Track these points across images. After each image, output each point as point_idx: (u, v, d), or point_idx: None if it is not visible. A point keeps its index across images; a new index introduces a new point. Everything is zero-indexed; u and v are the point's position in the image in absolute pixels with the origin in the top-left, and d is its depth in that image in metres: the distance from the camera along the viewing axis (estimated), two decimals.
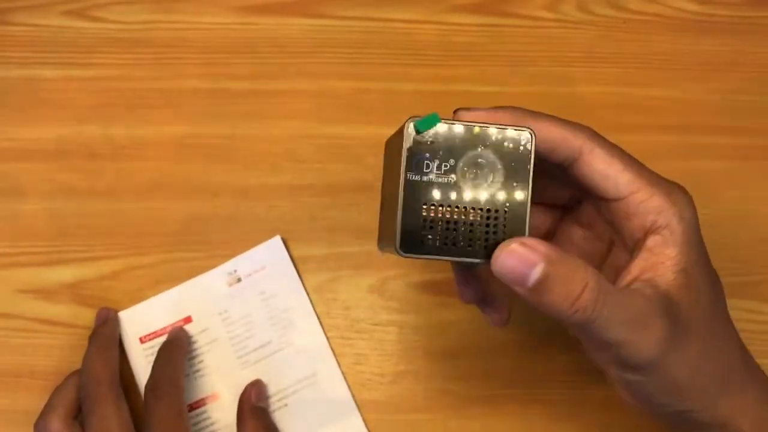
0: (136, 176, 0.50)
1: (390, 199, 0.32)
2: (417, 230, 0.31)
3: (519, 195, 0.31)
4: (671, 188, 0.34)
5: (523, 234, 0.31)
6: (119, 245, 0.49)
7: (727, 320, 0.36)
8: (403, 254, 0.31)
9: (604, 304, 0.31)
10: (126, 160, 0.51)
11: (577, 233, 0.39)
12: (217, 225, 0.50)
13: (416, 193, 0.31)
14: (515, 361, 0.47)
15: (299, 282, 0.48)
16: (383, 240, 0.34)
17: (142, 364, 0.47)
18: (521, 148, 0.31)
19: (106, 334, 0.46)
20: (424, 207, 0.31)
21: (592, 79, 0.52)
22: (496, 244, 0.31)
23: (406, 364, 0.48)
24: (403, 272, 0.49)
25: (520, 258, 0.30)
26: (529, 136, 0.31)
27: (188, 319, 0.48)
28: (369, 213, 0.50)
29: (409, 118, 0.31)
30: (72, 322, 0.48)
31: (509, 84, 0.52)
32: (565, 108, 0.51)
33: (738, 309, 0.48)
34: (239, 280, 0.48)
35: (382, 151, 0.34)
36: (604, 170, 0.34)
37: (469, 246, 0.31)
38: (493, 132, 0.31)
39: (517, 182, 0.31)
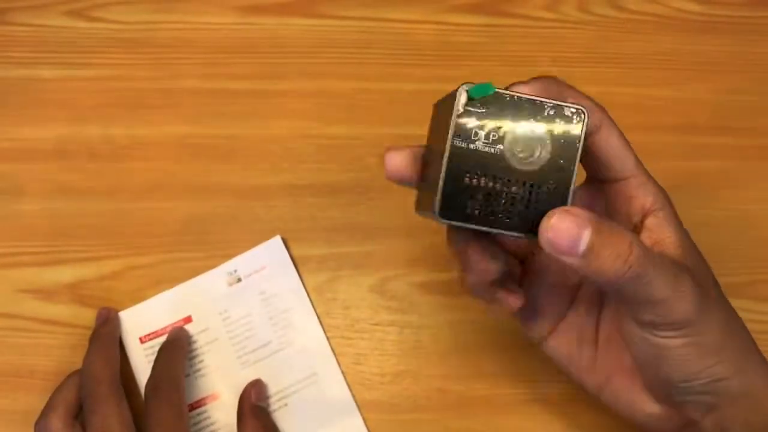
0: (136, 176, 0.50)
1: (434, 163, 0.32)
2: (458, 197, 0.30)
3: (564, 172, 0.31)
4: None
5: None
6: (119, 245, 0.49)
7: (726, 300, 0.37)
8: (442, 220, 0.31)
9: (650, 261, 0.31)
10: (126, 160, 0.51)
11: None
12: (217, 225, 0.50)
13: (461, 160, 0.30)
14: (515, 360, 0.47)
15: (299, 282, 0.48)
16: (422, 203, 0.33)
17: (142, 363, 0.47)
18: (572, 125, 0.31)
19: (106, 333, 0.46)
20: (467, 175, 0.30)
21: (592, 79, 0.52)
22: (537, 219, 0.30)
23: (406, 364, 0.48)
24: (403, 272, 0.49)
25: (569, 227, 0.30)
26: (583, 114, 0.31)
27: (188, 319, 0.48)
28: (369, 213, 0.50)
29: (463, 83, 0.30)
30: (72, 322, 0.48)
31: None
32: None
33: (738, 309, 0.48)
34: (239, 280, 0.48)
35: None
36: (618, 147, 0.35)
37: (508, 219, 0.31)
38: (546, 106, 0.31)
39: (563, 159, 0.31)
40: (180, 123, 0.51)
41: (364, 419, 0.46)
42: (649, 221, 0.36)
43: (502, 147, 0.31)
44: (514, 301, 0.37)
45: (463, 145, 0.30)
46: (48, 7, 0.53)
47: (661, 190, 0.36)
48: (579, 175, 0.34)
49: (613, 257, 0.31)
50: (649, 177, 0.36)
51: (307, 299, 0.48)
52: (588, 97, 0.35)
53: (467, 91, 0.30)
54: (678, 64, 0.53)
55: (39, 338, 0.48)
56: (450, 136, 0.30)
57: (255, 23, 0.53)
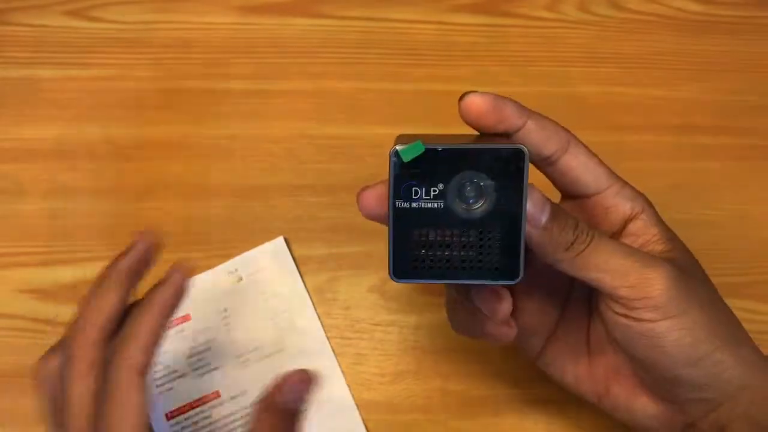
0: (136, 176, 0.50)
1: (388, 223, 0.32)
2: (409, 257, 0.31)
3: (513, 215, 0.31)
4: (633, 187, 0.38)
5: (518, 252, 0.31)
6: (119, 245, 0.49)
7: (719, 296, 0.38)
8: (398, 281, 0.32)
9: (601, 234, 0.34)
10: (126, 160, 0.51)
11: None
12: (217, 225, 0.50)
13: (406, 220, 0.31)
14: (515, 361, 0.47)
15: (301, 283, 0.48)
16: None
17: None
18: (513, 166, 0.31)
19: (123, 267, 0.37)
20: (415, 233, 0.31)
21: (592, 79, 0.52)
22: (495, 264, 0.31)
23: (406, 364, 0.48)
24: None
25: (532, 202, 0.32)
26: (522, 153, 0.30)
27: (187, 318, 0.48)
28: None
29: (395, 143, 0.31)
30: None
31: (509, 84, 0.52)
32: (565, 108, 0.52)
33: (738, 309, 0.48)
34: (240, 279, 0.48)
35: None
36: (586, 163, 0.36)
37: (465, 268, 0.31)
38: (482, 152, 0.31)
39: (510, 200, 0.31)
40: (180, 123, 0.51)
41: (363, 419, 0.46)
42: (632, 226, 0.37)
43: (444, 201, 0.31)
44: (507, 332, 0.37)
45: (405, 206, 0.31)
46: (48, 7, 0.53)
47: (639, 195, 0.37)
48: (555, 193, 0.35)
49: (568, 228, 0.33)
50: (625, 184, 0.37)
51: (309, 300, 0.48)
52: (552, 120, 0.36)
53: (397, 155, 0.30)
54: (678, 64, 0.53)
55: (39, 338, 0.48)
56: (391, 198, 0.31)
57: (255, 23, 0.53)
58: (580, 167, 0.36)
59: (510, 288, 0.37)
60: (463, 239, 0.31)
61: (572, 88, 0.52)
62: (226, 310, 0.48)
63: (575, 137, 0.36)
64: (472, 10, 0.53)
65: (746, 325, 0.48)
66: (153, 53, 0.52)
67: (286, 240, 0.49)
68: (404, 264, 0.31)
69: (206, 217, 0.50)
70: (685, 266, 0.36)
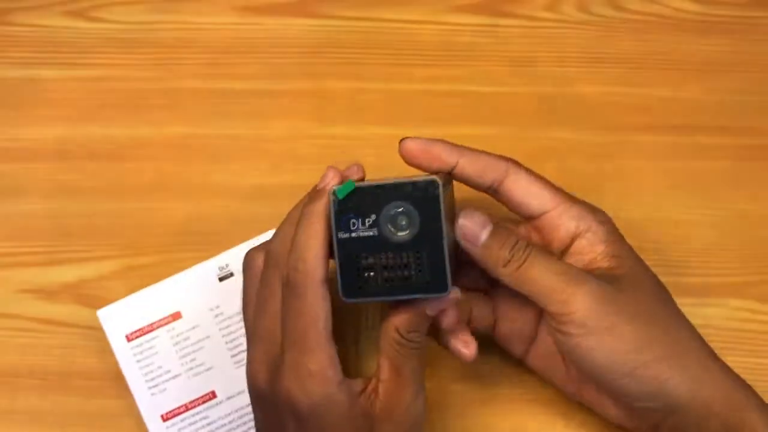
0: (136, 176, 0.50)
1: None
2: (355, 279, 0.36)
3: (436, 233, 0.35)
4: (587, 204, 0.40)
5: (443, 266, 0.35)
6: (119, 245, 0.49)
7: (678, 313, 0.39)
8: (347, 300, 0.36)
9: (537, 252, 0.38)
10: (126, 160, 0.51)
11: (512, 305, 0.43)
12: (217, 225, 0.50)
13: (348, 248, 0.36)
14: (516, 361, 0.47)
15: None
16: None
17: (130, 363, 0.46)
18: (429, 194, 0.35)
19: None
20: (357, 259, 0.36)
21: (592, 79, 0.52)
22: (425, 280, 0.35)
23: None
24: None
25: (472, 225, 0.38)
26: (436, 183, 0.35)
27: (177, 315, 0.47)
28: None
29: (333, 186, 0.36)
30: (72, 322, 0.48)
31: (509, 84, 0.52)
32: (565, 108, 0.52)
33: (738, 309, 0.48)
34: (231, 275, 0.48)
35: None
36: (527, 187, 0.40)
37: (405, 284, 0.36)
38: (404, 185, 0.35)
39: (432, 222, 0.35)
40: (180, 123, 0.51)
41: None
42: (577, 244, 0.39)
43: (377, 228, 0.35)
44: (467, 351, 0.40)
45: (346, 236, 0.36)
46: (48, 7, 0.53)
47: (588, 214, 0.40)
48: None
49: (507, 245, 0.37)
50: (573, 204, 0.40)
51: None
52: (487, 154, 0.40)
53: (334, 193, 0.36)
54: (678, 64, 0.53)
55: (39, 338, 0.48)
56: (334, 231, 0.36)
57: (255, 23, 0.53)
58: (520, 192, 0.40)
59: (492, 297, 0.43)
60: (398, 260, 0.35)
61: (572, 88, 0.52)
62: (218, 307, 0.47)
63: (516, 165, 0.40)
64: (472, 10, 0.53)
65: (746, 325, 0.48)
66: (153, 53, 0.52)
67: None
68: (351, 285, 0.36)
69: (206, 217, 0.50)
70: (626, 283, 0.38)
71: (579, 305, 0.36)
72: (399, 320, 0.37)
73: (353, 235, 0.36)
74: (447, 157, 0.39)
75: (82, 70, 0.52)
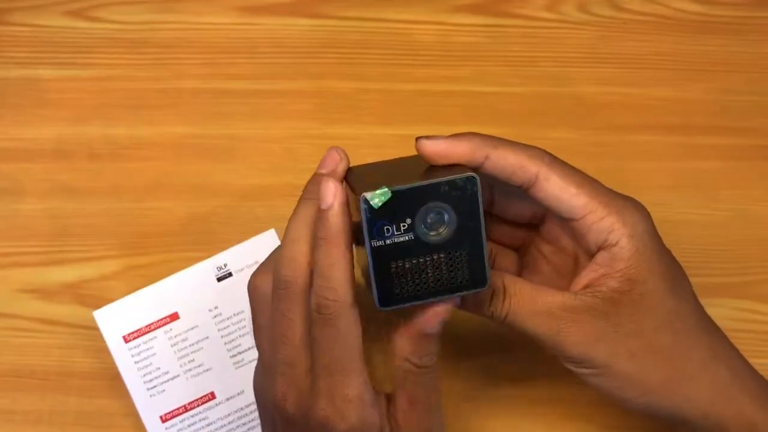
0: (136, 176, 0.50)
1: (363, 254, 0.35)
2: (391, 286, 0.34)
3: (474, 233, 0.34)
4: (624, 206, 0.37)
5: (483, 266, 0.34)
6: (119, 245, 0.49)
7: (694, 328, 0.38)
8: (383, 309, 0.35)
9: (518, 300, 0.37)
10: (126, 160, 0.51)
11: (545, 248, 0.41)
12: (217, 225, 0.50)
13: (384, 255, 0.34)
14: (516, 361, 0.47)
15: None
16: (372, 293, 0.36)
17: (129, 365, 0.46)
18: (468, 192, 0.33)
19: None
20: (393, 265, 0.34)
21: (592, 79, 0.52)
22: (464, 278, 0.34)
23: None
24: None
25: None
26: (474, 179, 0.33)
27: (175, 316, 0.47)
28: None
29: (363, 192, 0.33)
30: (72, 322, 0.48)
31: (509, 84, 0.52)
32: (565, 108, 0.52)
33: (738, 309, 0.48)
34: (230, 274, 0.47)
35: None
36: (558, 195, 0.36)
37: (441, 285, 0.34)
38: (440, 185, 0.33)
39: (470, 221, 0.34)
40: (180, 123, 0.51)
41: None
42: (600, 256, 0.37)
43: (413, 232, 0.34)
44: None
45: (380, 243, 0.34)
46: (48, 7, 0.53)
47: (622, 225, 0.36)
48: None
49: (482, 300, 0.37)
50: (607, 213, 0.37)
51: None
52: (524, 148, 0.37)
53: (368, 200, 0.33)
54: (678, 64, 0.53)
55: (39, 338, 0.48)
56: (367, 240, 0.33)
57: (255, 23, 0.53)
58: (549, 198, 0.37)
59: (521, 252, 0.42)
60: (434, 262, 0.34)
61: (572, 88, 0.52)
62: (216, 307, 0.47)
63: (549, 165, 0.37)
64: (472, 11, 0.53)
65: (746, 325, 0.48)
66: (153, 53, 0.52)
67: (278, 233, 0.48)
68: (388, 294, 0.34)
69: (206, 217, 0.50)
70: (628, 309, 0.37)
71: (571, 346, 0.36)
72: (408, 350, 0.36)
73: (387, 242, 0.34)
74: (471, 159, 0.36)
75: (82, 70, 0.52)
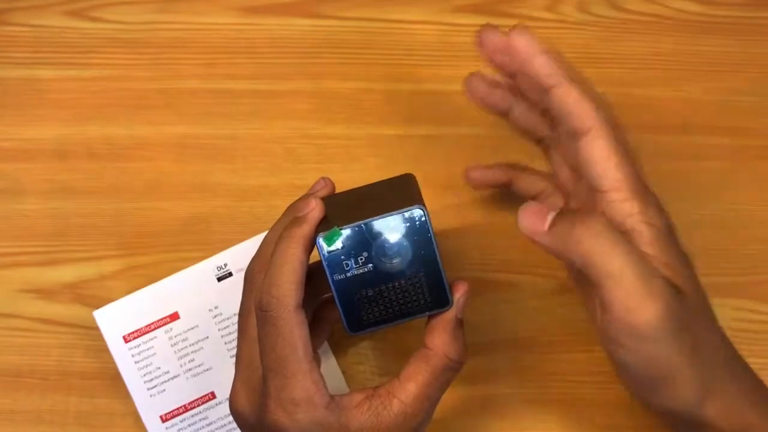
0: (136, 176, 0.50)
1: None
2: (358, 314, 0.37)
3: (429, 259, 0.36)
4: (648, 200, 0.37)
5: (443, 288, 0.37)
6: (119, 245, 0.49)
7: (712, 329, 0.37)
8: (353, 334, 0.37)
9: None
10: (126, 160, 0.51)
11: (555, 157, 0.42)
12: (217, 225, 0.50)
13: (346, 287, 0.36)
14: (516, 361, 0.47)
15: None
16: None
17: (129, 365, 0.46)
18: (416, 222, 0.36)
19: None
20: (357, 295, 0.37)
21: (591, 79, 0.52)
22: (426, 300, 0.37)
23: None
24: None
25: (534, 214, 0.36)
26: (421, 211, 0.36)
27: (175, 316, 0.47)
28: None
29: (318, 233, 0.36)
30: (72, 322, 0.48)
31: None
32: None
33: (738, 309, 0.48)
34: (230, 274, 0.48)
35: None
36: (597, 161, 0.36)
37: (405, 308, 0.37)
38: (389, 220, 0.36)
39: (423, 249, 0.36)
40: (180, 123, 0.51)
41: None
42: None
43: (371, 263, 0.36)
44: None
45: (341, 277, 0.36)
46: (48, 7, 0.53)
47: (640, 213, 0.36)
48: None
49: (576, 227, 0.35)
50: (629, 198, 0.36)
51: None
52: (592, 97, 0.37)
53: (324, 241, 0.36)
54: (678, 64, 0.53)
55: (39, 338, 0.48)
56: (329, 275, 0.36)
57: (255, 23, 0.53)
58: (588, 159, 0.36)
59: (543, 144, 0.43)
60: (396, 288, 0.37)
61: None
62: (216, 307, 0.47)
63: (601, 128, 0.36)
64: (472, 11, 0.53)
65: (746, 325, 0.48)
66: (153, 53, 0.52)
67: None
68: (355, 321, 0.37)
69: (206, 217, 0.50)
70: (687, 300, 0.35)
71: (650, 316, 0.34)
72: (452, 349, 0.37)
73: (349, 274, 0.36)
74: (543, 78, 0.37)
75: (82, 70, 0.52)
